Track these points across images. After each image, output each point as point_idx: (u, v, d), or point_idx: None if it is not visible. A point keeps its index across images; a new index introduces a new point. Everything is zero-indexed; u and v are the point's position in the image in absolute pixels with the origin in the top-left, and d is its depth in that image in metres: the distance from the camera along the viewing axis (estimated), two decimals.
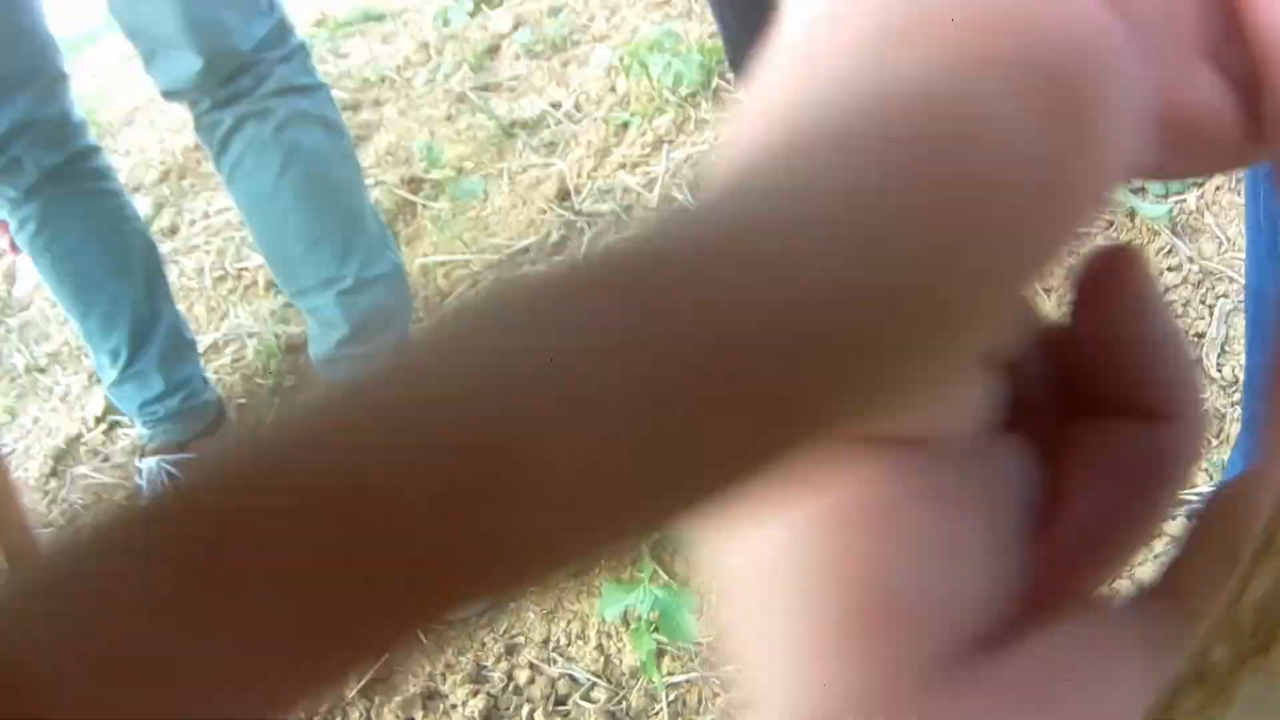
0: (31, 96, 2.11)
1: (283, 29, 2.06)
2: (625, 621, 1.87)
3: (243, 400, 2.83)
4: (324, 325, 2.21)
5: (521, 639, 1.99)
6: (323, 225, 2.10)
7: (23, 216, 2.23)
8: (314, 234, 2.12)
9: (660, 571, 1.90)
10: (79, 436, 3.00)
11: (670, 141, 3.09)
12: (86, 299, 2.33)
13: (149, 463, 2.46)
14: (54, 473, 2.90)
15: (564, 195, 3.02)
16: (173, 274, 3.41)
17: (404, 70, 4.25)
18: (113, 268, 2.33)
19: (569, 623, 1.95)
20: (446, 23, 4.54)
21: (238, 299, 3.25)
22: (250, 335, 3.05)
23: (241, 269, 3.41)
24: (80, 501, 2.73)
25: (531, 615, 1.99)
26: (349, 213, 2.15)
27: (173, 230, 3.72)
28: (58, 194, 2.22)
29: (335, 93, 4.11)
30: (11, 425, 3.27)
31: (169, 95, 2.02)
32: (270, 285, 3.25)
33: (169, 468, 2.43)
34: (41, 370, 3.42)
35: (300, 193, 2.08)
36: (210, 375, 2.81)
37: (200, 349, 2.97)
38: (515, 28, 4.21)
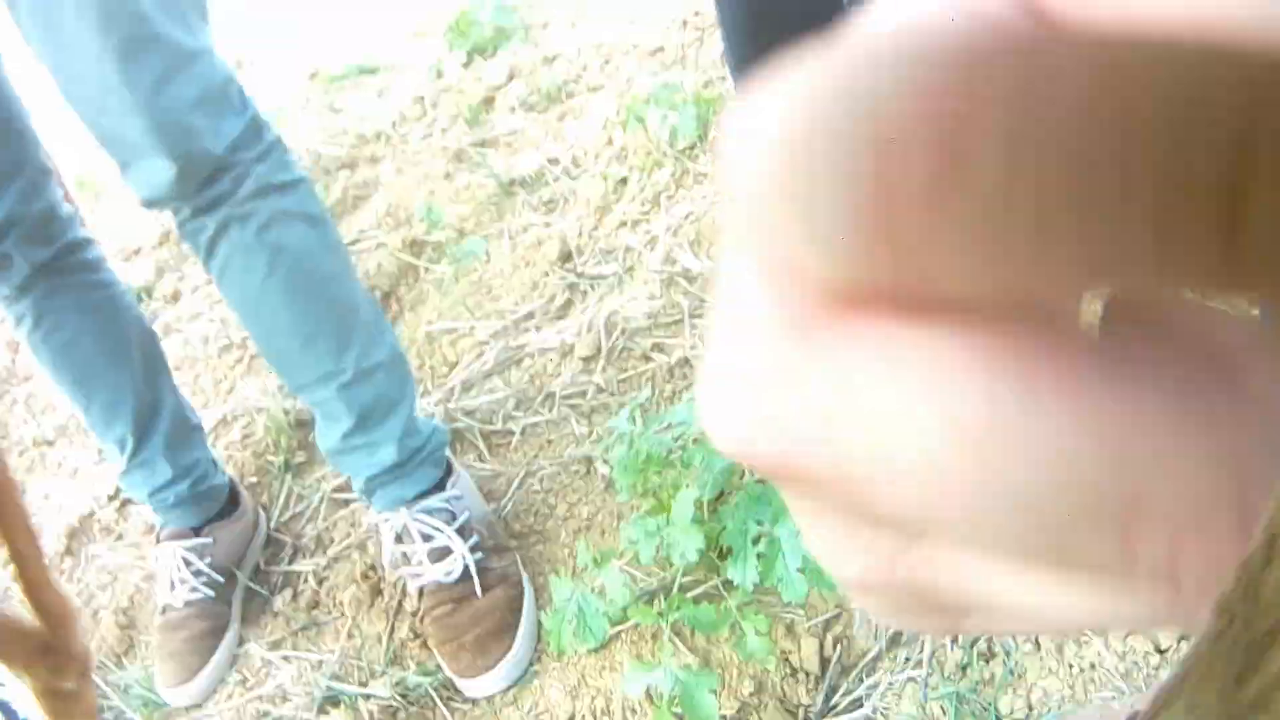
0: (16, 192, 2.10)
1: (256, 126, 2.04)
2: (648, 697, 1.87)
3: (254, 479, 2.84)
4: (328, 418, 2.21)
5: (546, 716, 1.99)
6: (316, 321, 2.10)
7: (18, 313, 2.22)
8: (308, 330, 2.12)
9: (681, 648, 1.91)
10: (91, 514, 2.99)
11: (670, 196, 3.10)
12: (87, 390, 2.34)
13: (164, 550, 2.46)
14: (69, 550, 2.90)
15: (566, 256, 3.03)
16: (177, 342, 3.43)
17: (400, 125, 4.26)
18: (111, 359, 2.33)
19: (592, 699, 1.95)
20: (440, 75, 4.55)
21: (244, 369, 3.25)
22: (258, 410, 3.05)
23: (246, 337, 3.41)
24: (97, 582, 2.74)
25: (555, 692, 2.00)
26: (341, 305, 2.14)
27: (175, 297, 3.73)
28: (51, 288, 2.22)
29: (331, 150, 4.16)
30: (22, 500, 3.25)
31: (149, 204, 2.01)
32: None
33: (185, 555, 2.44)
34: (49, 444, 3.42)
35: (290, 291, 2.08)
36: (220, 452, 2.82)
37: (208, 425, 2.98)
38: (510, 79, 4.22)
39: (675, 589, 1.96)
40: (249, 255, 2.03)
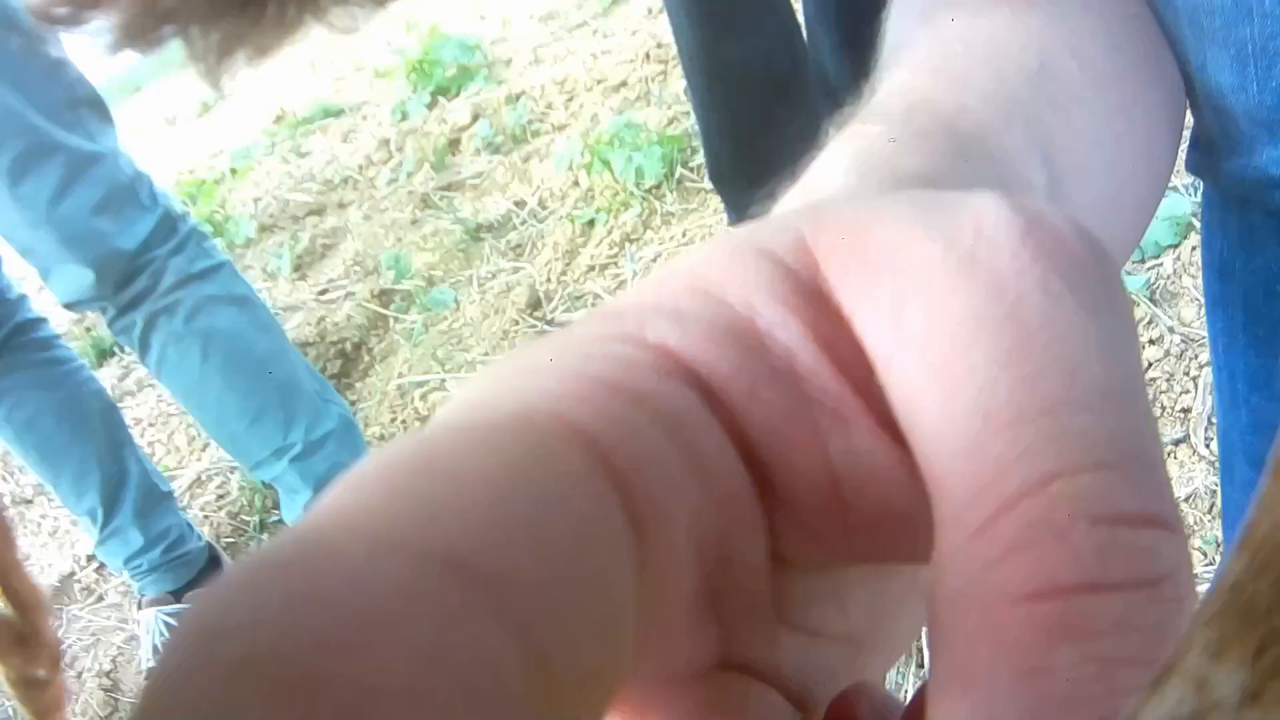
0: None
1: (169, 220, 2.06)
2: None
3: (231, 539, 2.84)
4: (288, 491, 2.24)
5: None
6: (260, 399, 2.12)
7: None
8: (253, 410, 2.14)
9: None
10: (71, 574, 3.01)
11: (635, 240, 3.11)
12: (54, 466, 2.35)
13: (146, 616, 2.47)
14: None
15: (535, 304, 3.04)
16: (150, 399, 3.43)
17: (366, 170, 4.27)
18: (73, 434, 2.34)
19: None
20: (405, 116, 4.56)
21: None
22: (232, 469, 3.04)
23: None
24: (80, 644, 2.74)
25: None
26: (282, 381, 2.17)
27: None
28: (6, 368, 2.23)
29: (299, 196, 4.16)
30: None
31: (72, 307, 2.03)
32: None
33: (166, 619, 2.44)
34: (28, 502, 3.42)
35: (228, 374, 2.10)
36: (196, 513, 2.82)
37: (183, 485, 2.99)
38: (474, 119, 4.22)
39: None
40: (181, 344, 2.06)
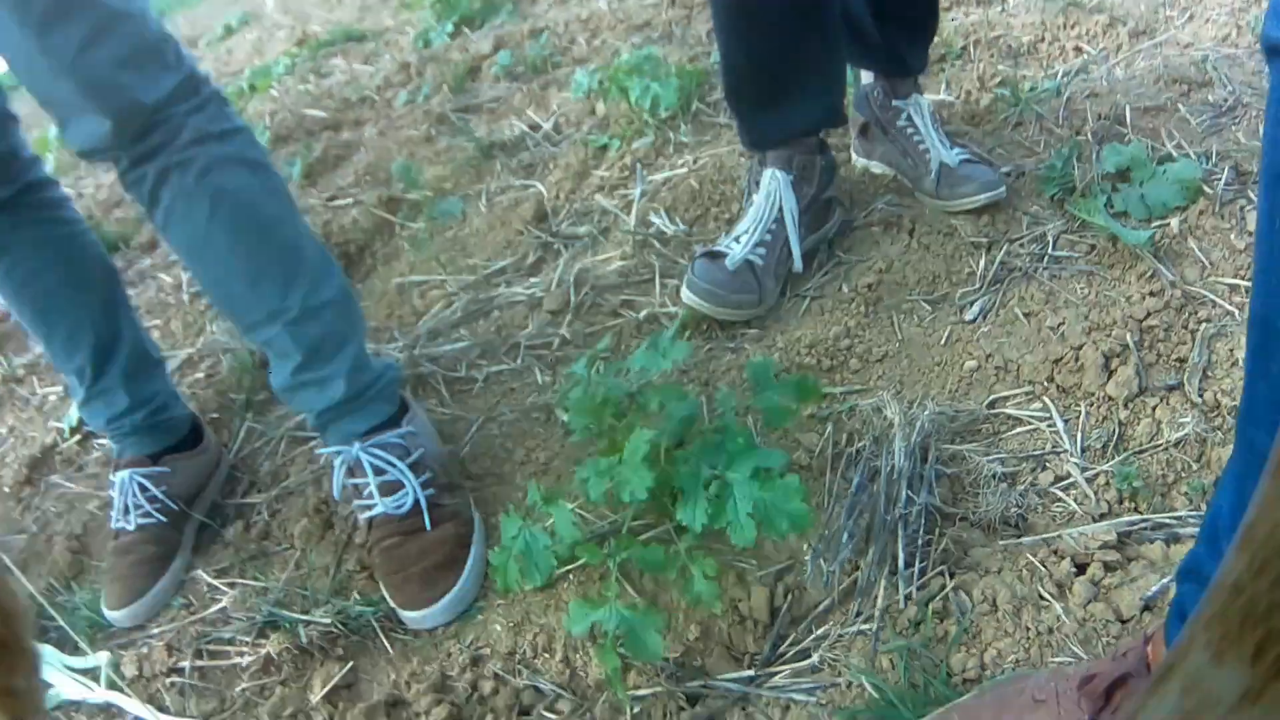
0: None
1: (193, 82, 2.06)
2: (592, 636, 1.88)
3: (215, 415, 2.85)
4: (278, 356, 2.22)
5: (488, 650, 1.98)
6: (261, 261, 2.12)
7: None
8: (253, 271, 2.14)
9: (628, 590, 1.91)
10: (54, 446, 3.01)
11: (649, 164, 3.11)
12: (48, 323, 2.38)
13: (121, 476, 2.48)
14: (28, 480, 2.91)
15: (541, 216, 3.04)
16: (150, 290, 3.44)
17: (384, 90, 4.28)
18: (71, 293, 2.38)
19: (535, 635, 1.95)
20: (427, 44, 4.57)
21: (214, 315, 3.26)
22: (225, 351, 3.06)
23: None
24: (54, 510, 2.74)
25: (498, 628, 2.00)
26: (285, 245, 2.16)
27: (150, 246, 3.74)
28: (12, 224, 2.26)
29: (315, 112, 4.16)
30: None
31: (86, 156, 2.02)
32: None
33: (140, 480, 2.46)
34: (18, 381, 3.43)
35: (233, 233, 2.10)
36: (184, 390, 2.83)
37: (175, 365, 2.99)
38: (495, 50, 4.24)
39: (624, 530, 1.96)
40: (191, 201, 2.06)
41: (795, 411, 1.97)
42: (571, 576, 2.01)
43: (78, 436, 3.01)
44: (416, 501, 2.18)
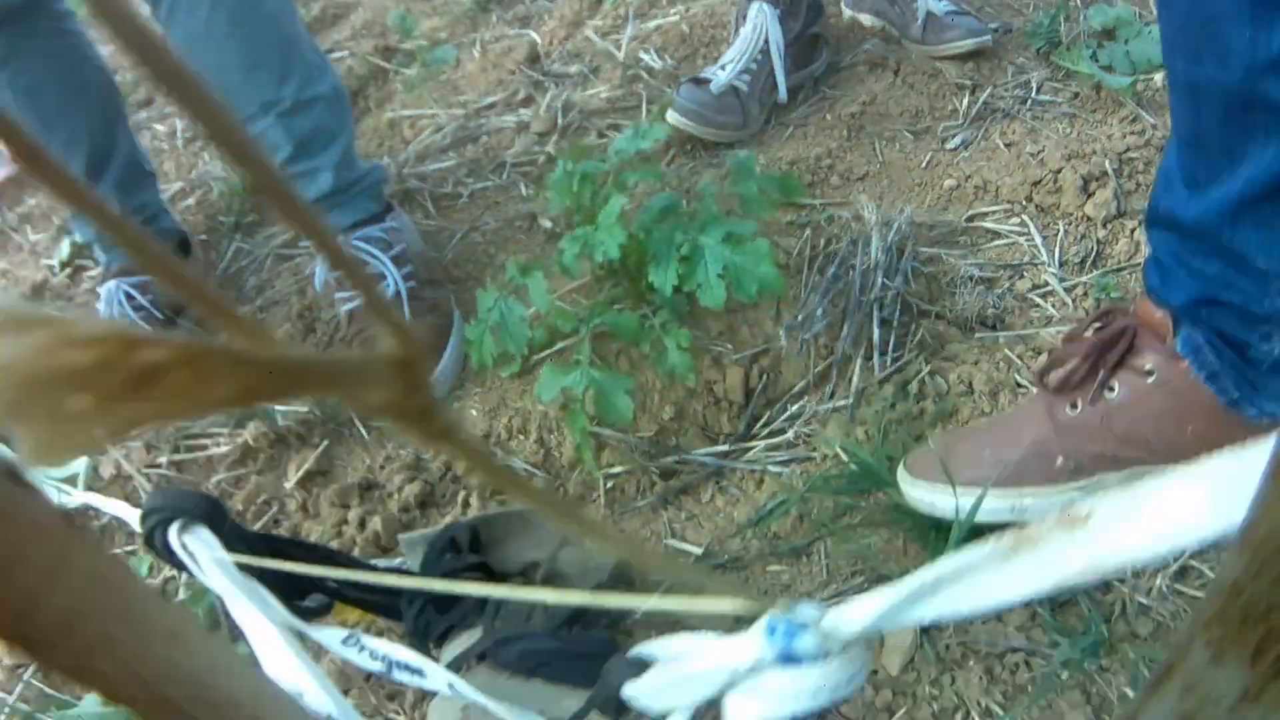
0: None
1: None
2: (564, 407, 1.89)
3: (204, 236, 2.87)
4: (269, 147, 2.23)
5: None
6: (258, 52, 2.14)
7: None
8: (250, 61, 2.15)
9: (598, 359, 1.92)
10: (45, 281, 3.03)
11: (642, 15, 3.11)
12: (47, 129, 2.38)
13: (109, 286, 2.50)
14: None
15: (534, 59, 3.04)
16: (145, 139, 3.44)
17: None
18: (71, 103, 2.39)
19: (510, 419, 1.97)
20: None
21: (209, 157, 3.27)
22: (216, 179, 3.08)
23: None
24: None
25: (474, 413, 2.02)
26: (283, 39, 2.19)
27: (148, 101, 3.74)
28: (20, 33, 2.26)
29: None
30: None
31: None
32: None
33: (128, 290, 2.48)
34: (13, 230, 3.45)
35: (233, 23, 2.11)
36: (175, 216, 2.84)
37: (168, 195, 3.00)
38: None
39: (599, 300, 1.97)
40: None
41: (775, 200, 1.98)
42: (547, 362, 2.01)
43: (68, 270, 3.03)
44: (398, 293, 2.20)
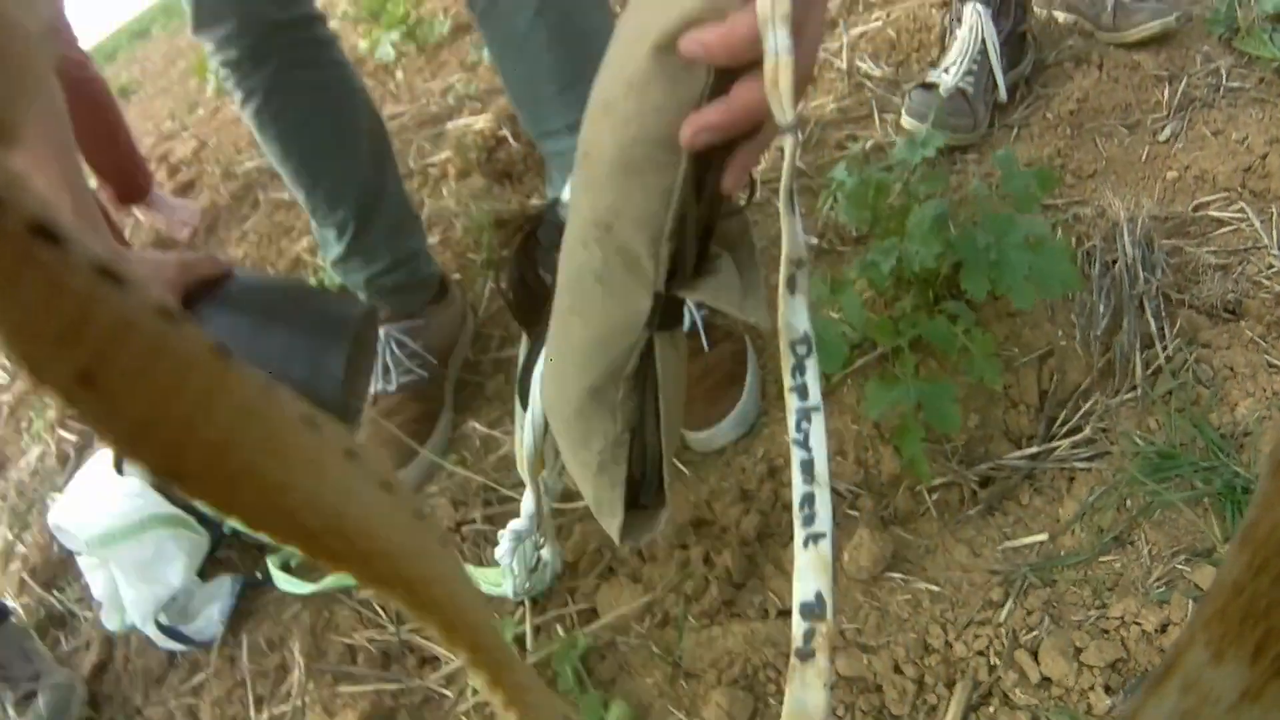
0: None
1: None
2: (877, 430, 1.97)
3: (457, 276, 2.90)
4: (564, 170, 2.15)
5: (781, 460, 2.04)
6: (574, 70, 2.05)
7: (249, 87, 2.20)
8: (565, 78, 2.08)
9: (919, 369, 1.99)
10: None
11: (849, 21, 3.20)
12: (313, 171, 2.31)
13: (379, 332, 2.44)
14: None
15: None
16: None
17: None
18: (340, 141, 2.30)
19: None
20: None
21: (427, 192, 3.37)
22: (455, 215, 3.12)
23: (428, 165, 3.55)
24: None
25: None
26: (599, 60, 2.14)
27: None
28: (286, 64, 2.19)
29: None
30: None
31: None
32: (461, 173, 3.37)
33: (398, 336, 2.46)
34: None
35: (554, 35, 2.04)
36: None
37: None
38: None
39: (910, 309, 2.02)
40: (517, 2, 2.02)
41: (1039, 197, 2.06)
42: (849, 381, 2.10)
43: None
44: (694, 323, 2.18)
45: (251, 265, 3.59)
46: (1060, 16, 2.93)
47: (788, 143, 0.92)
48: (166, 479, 0.29)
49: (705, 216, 1.11)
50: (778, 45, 0.87)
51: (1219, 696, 0.44)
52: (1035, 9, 2.96)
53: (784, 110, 0.89)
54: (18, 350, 0.25)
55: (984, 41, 2.63)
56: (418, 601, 0.42)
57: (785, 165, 0.94)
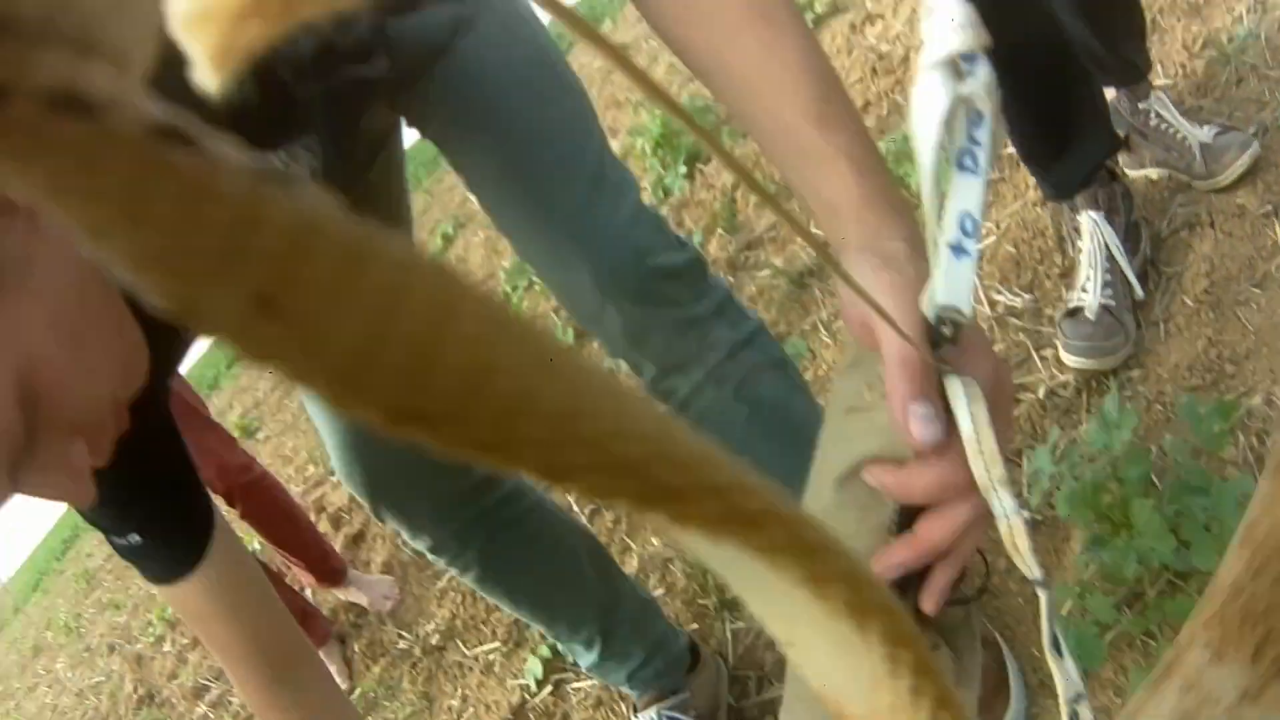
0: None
1: (701, 265, 1.93)
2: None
3: (695, 625, 2.86)
4: None
5: None
6: (789, 464, 1.71)
7: (463, 565, 2.24)
8: (782, 470, 1.87)
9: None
10: (523, 704, 3.07)
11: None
12: (548, 610, 2.34)
13: (648, 714, 2.48)
14: None
15: None
16: None
17: None
18: (563, 578, 2.34)
19: None
20: (667, 193, 4.72)
21: (620, 535, 3.35)
22: (667, 560, 3.08)
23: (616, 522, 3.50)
24: None
25: None
26: (810, 444, 2.07)
27: None
28: (489, 534, 2.21)
29: None
30: (433, 709, 3.42)
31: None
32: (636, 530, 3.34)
33: (669, 714, 2.47)
34: (439, 649, 3.63)
35: (768, 439, 1.97)
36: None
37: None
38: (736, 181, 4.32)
39: (1149, 591, 2.02)
40: (726, 409, 1.97)
41: (1226, 435, 2.08)
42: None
43: (548, 688, 3.04)
44: None
45: (462, 626, 3.60)
46: (1154, 174, 2.90)
47: (1043, 598, 0.93)
48: (406, 425, 0.22)
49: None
50: (1006, 510, 0.88)
51: (1219, 696, 0.44)
52: (1127, 170, 2.95)
53: (1030, 569, 0.90)
54: (167, 286, 0.20)
55: (1108, 248, 2.62)
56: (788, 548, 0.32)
57: (1044, 617, 0.93)
